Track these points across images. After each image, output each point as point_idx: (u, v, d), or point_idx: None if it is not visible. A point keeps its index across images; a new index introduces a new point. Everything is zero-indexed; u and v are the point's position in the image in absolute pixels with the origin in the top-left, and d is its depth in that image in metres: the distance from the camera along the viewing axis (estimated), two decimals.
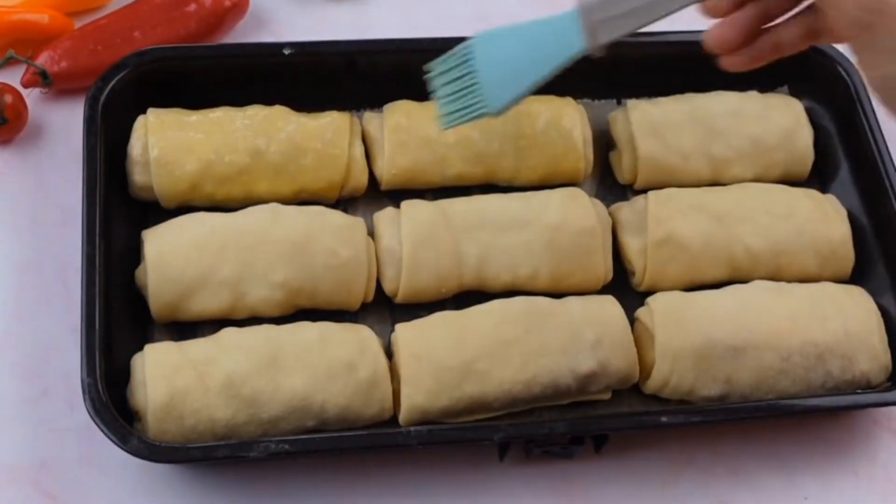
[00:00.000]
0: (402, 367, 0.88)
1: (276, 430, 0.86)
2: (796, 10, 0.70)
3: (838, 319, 0.94)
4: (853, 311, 0.95)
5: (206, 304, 0.90)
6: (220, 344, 0.88)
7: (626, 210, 1.00)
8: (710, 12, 0.73)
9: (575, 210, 0.96)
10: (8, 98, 0.99)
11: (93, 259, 0.87)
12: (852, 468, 0.96)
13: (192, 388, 0.85)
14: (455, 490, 0.91)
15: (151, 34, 1.05)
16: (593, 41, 0.75)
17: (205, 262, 0.90)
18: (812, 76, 1.07)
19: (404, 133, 0.98)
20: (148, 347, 0.87)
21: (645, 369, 0.93)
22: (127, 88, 0.96)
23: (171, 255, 0.90)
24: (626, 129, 1.03)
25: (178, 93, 0.98)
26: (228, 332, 0.89)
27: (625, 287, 0.99)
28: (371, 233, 0.96)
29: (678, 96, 1.05)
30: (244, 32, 1.12)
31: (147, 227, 0.93)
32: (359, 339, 0.89)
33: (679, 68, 1.05)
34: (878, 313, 0.96)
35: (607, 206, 1.01)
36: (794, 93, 1.09)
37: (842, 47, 1.03)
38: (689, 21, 1.17)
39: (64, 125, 1.03)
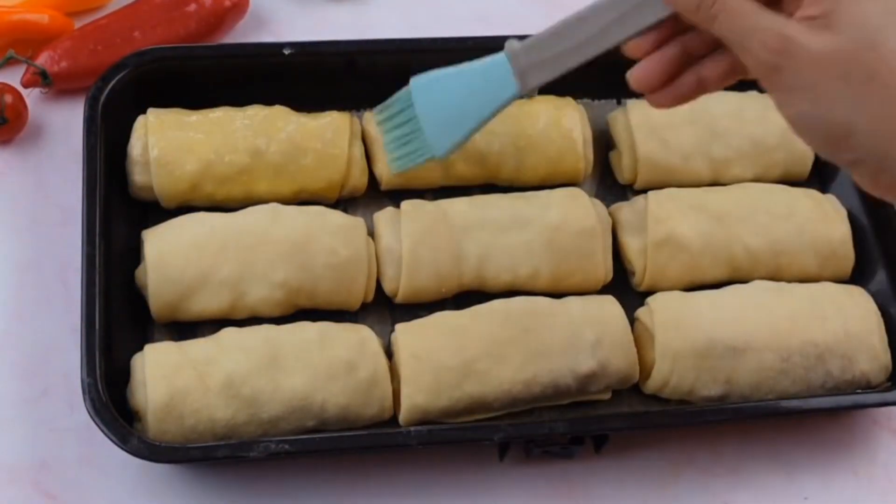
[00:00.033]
0: (402, 366, 0.88)
1: (276, 430, 0.86)
2: (715, 48, 0.71)
3: (838, 319, 0.94)
4: (853, 311, 0.95)
5: (206, 304, 0.90)
6: (220, 344, 0.88)
7: (626, 210, 1.00)
8: (633, 52, 0.74)
9: (575, 210, 0.96)
10: (8, 98, 0.99)
11: (93, 259, 0.87)
12: (852, 468, 0.96)
13: (192, 388, 0.85)
14: (455, 490, 0.91)
15: (151, 34, 1.05)
16: (524, 85, 0.76)
17: (205, 262, 0.90)
18: None
19: None
20: (148, 347, 0.87)
21: (645, 369, 0.93)
22: (127, 88, 0.96)
23: (171, 255, 0.90)
24: (625, 129, 1.03)
25: (178, 93, 0.98)
26: (228, 332, 0.89)
27: (625, 287, 0.99)
28: (371, 232, 0.96)
29: None
30: (244, 32, 1.11)
31: (147, 227, 0.93)
32: (359, 338, 0.89)
33: None
34: (878, 313, 0.96)
35: (607, 206, 1.01)
36: None
37: None
38: None
39: (64, 125, 1.03)
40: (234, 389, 0.85)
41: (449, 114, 0.80)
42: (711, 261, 0.97)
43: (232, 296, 0.90)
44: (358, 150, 0.99)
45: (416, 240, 0.93)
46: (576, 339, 0.90)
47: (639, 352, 0.93)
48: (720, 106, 1.03)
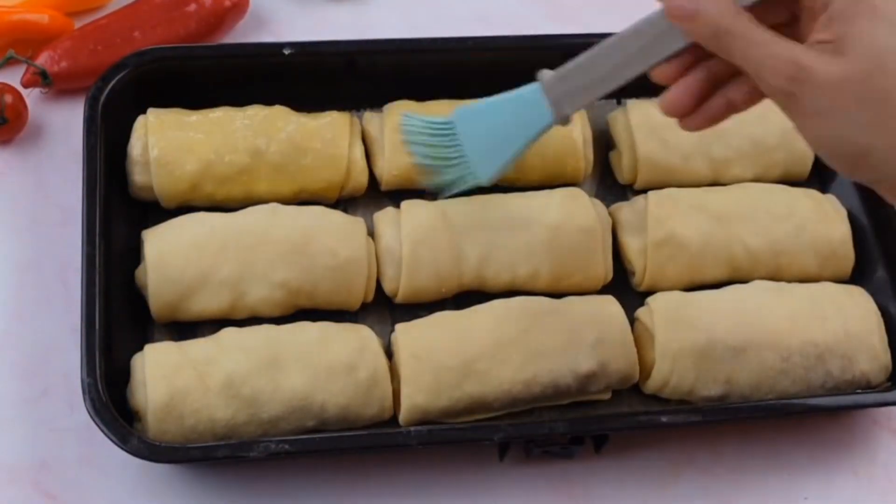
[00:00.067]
0: (402, 367, 0.88)
1: (276, 430, 0.86)
2: (741, 72, 0.72)
3: (838, 319, 0.94)
4: (853, 311, 0.95)
5: (206, 304, 0.90)
6: (220, 344, 0.88)
7: (626, 210, 1.00)
8: (660, 78, 0.75)
9: (575, 210, 0.96)
10: (8, 98, 0.99)
11: (93, 259, 0.87)
12: (852, 468, 0.96)
13: (192, 388, 0.85)
14: (455, 490, 0.91)
15: (151, 34, 1.05)
16: (559, 113, 0.79)
17: (205, 262, 0.90)
18: None
19: None
20: (148, 347, 0.87)
21: (645, 369, 0.93)
22: (127, 88, 0.96)
23: (171, 255, 0.90)
24: (626, 129, 1.03)
25: (178, 93, 0.98)
26: (228, 332, 0.89)
27: (625, 287, 0.99)
28: (371, 233, 0.96)
29: None
30: (244, 32, 1.12)
31: (147, 227, 0.93)
32: (359, 339, 0.89)
33: None
34: (878, 313, 0.96)
35: (607, 206, 1.01)
36: None
37: None
38: None
39: (64, 125, 1.03)
40: (234, 389, 0.85)
41: (490, 142, 0.84)
42: (711, 261, 0.97)
43: (232, 296, 0.90)
44: (358, 150, 0.99)
45: (416, 240, 0.93)
46: (576, 339, 0.90)
47: (639, 352, 0.93)
48: None
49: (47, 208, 0.99)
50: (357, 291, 0.93)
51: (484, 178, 0.85)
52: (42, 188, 1.00)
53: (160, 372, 0.85)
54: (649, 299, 0.95)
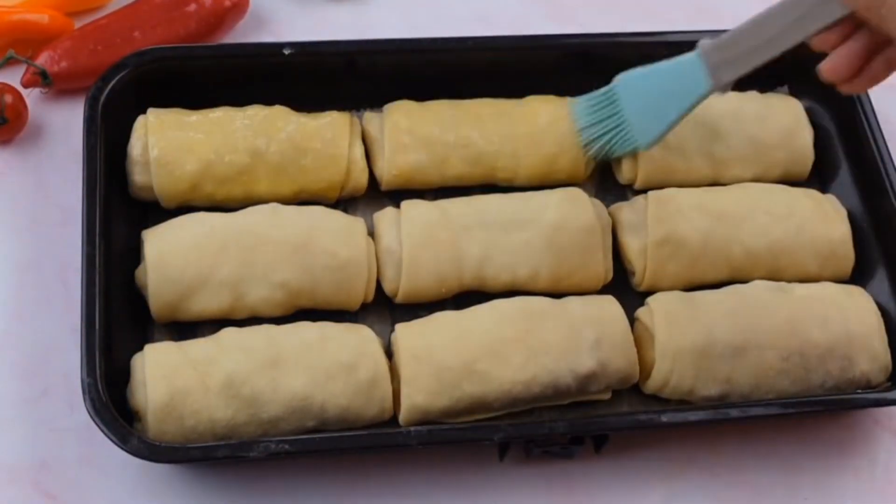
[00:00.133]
0: (402, 367, 0.88)
1: (276, 430, 0.86)
2: None
3: (838, 319, 0.94)
4: (853, 311, 0.95)
5: (206, 304, 0.90)
6: (220, 344, 0.88)
7: (626, 210, 1.00)
8: (820, 45, 0.77)
9: (575, 210, 0.96)
10: (8, 98, 0.99)
11: (93, 259, 0.87)
12: (852, 468, 0.96)
13: (193, 389, 0.84)
14: (455, 490, 0.91)
15: (151, 34, 1.05)
16: (717, 81, 0.83)
17: (205, 262, 0.90)
18: (812, 76, 1.07)
19: (404, 133, 0.98)
20: (148, 347, 0.87)
21: (645, 369, 0.93)
22: (127, 88, 0.96)
23: (171, 255, 0.90)
24: None
25: (178, 93, 0.98)
26: (228, 332, 0.89)
27: (625, 287, 0.99)
28: (371, 233, 0.96)
29: None
30: (244, 32, 1.12)
31: (147, 227, 0.93)
32: (359, 339, 0.89)
33: None
34: (878, 313, 0.96)
35: (607, 206, 1.00)
36: (794, 93, 1.09)
37: None
38: (687, 22, 1.17)
39: (64, 125, 1.03)
40: (235, 390, 0.85)
41: (650, 109, 0.88)
42: (711, 261, 0.97)
43: (232, 296, 0.90)
44: (358, 150, 0.99)
45: (416, 240, 0.93)
46: (576, 339, 0.90)
47: (639, 352, 0.93)
48: (720, 106, 1.03)
49: (47, 208, 0.99)
50: (357, 291, 0.93)
51: (643, 144, 0.88)
52: (42, 188, 1.00)
53: (160, 372, 0.85)
54: (649, 299, 0.95)
